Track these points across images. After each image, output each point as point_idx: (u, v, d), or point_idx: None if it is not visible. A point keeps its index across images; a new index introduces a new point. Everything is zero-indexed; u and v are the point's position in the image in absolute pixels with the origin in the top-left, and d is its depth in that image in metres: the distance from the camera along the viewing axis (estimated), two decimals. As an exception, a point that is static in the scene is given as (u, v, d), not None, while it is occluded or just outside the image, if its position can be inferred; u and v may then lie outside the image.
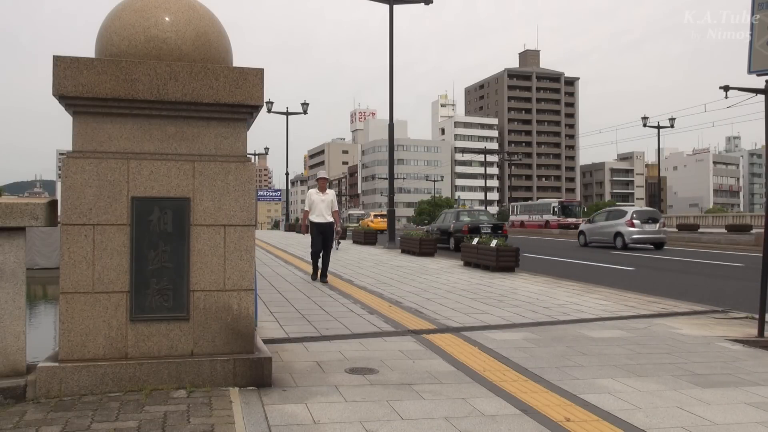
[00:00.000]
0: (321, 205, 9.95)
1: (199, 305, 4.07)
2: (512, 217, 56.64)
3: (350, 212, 75.83)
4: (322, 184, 10.19)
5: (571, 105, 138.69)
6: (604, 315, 7.26)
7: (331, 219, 9.99)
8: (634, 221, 22.30)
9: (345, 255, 16.71)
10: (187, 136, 4.15)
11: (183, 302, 4.03)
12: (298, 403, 3.75)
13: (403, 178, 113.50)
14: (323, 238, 9.95)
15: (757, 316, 6.32)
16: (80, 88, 3.84)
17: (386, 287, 9.59)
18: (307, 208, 10.16)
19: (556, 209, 49.88)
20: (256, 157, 64.07)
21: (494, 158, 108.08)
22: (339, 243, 18.43)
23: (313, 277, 10.35)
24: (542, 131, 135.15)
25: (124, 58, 4.00)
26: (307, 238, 12.86)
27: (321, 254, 10.02)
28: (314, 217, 9.95)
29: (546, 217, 50.23)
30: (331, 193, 10.24)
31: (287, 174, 45.07)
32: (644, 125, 41.65)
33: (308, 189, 15.29)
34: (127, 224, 3.96)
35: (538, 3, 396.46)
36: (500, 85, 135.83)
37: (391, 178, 21.61)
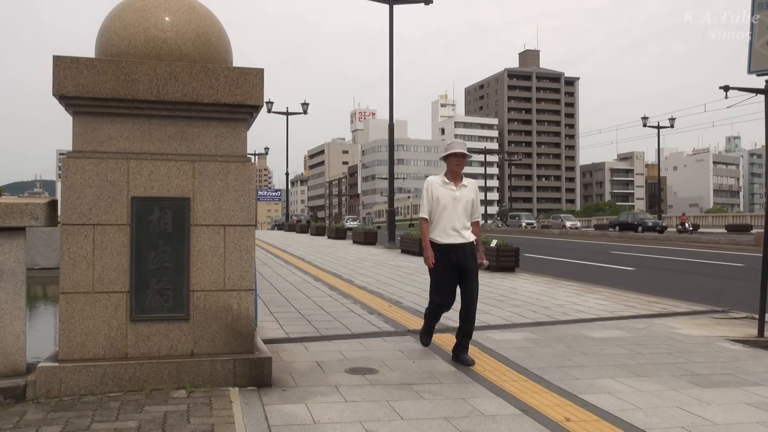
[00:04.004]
0: (454, 208, 4.95)
1: (199, 305, 4.07)
2: None
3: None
4: (456, 166, 4.99)
5: (571, 105, 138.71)
6: (604, 315, 7.26)
7: (471, 236, 5.00)
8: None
9: (345, 255, 16.72)
10: (187, 136, 4.15)
11: (183, 302, 4.03)
12: (298, 403, 3.75)
13: (403, 178, 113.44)
14: (459, 273, 4.93)
15: (757, 316, 6.32)
16: (80, 88, 3.84)
17: (386, 287, 9.59)
18: (425, 214, 5.02)
19: None
20: (256, 157, 63.97)
21: (494, 158, 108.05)
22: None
23: (425, 340, 5.43)
24: (542, 131, 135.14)
25: (124, 58, 4.00)
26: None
27: (451, 305, 5.14)
28: (439, 233, 4.95)
29: None
30: (472, 187, 5.09)
31: (287, 174, 45.07)
32: (644, 125, 41.68)
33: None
34: (127, 224, 3.96)
35: (538, 3, 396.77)
36: (500, 85, 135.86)
37: (391, 178, 21.61)
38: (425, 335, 5.48)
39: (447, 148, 5.10)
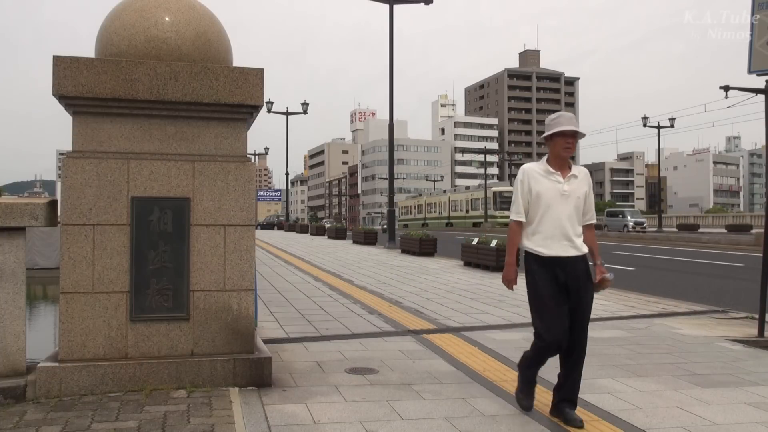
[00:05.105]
0: (564, 206, 3.60)
1: (199, 305, 4.07)
2: None
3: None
4: (565, 150, 3.63)
5: (571, 105, 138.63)
6: (605, 315, 7.26)
7: (584, 246, 3.64)
8: None
9: (345, 255, 16.72)
10: (187, 136, 4.15)
11: (183, 302, 4.03)
12: (298, 403, 3.75)
13: (403, 178, 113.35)
14: (572, 297, 3.57)
15: (757, 316, 6.32)
16: (80, 88, 3.84)
17: (386, 287, 9.59)
18: (518, 215, 3.71)
19: None
20: (256, 157, 63.80)
21: (494, 158, 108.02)
22: None
23: (526, 403, 3.75)
24: (542, 131, 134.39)
25: (124, 58, 4.00)
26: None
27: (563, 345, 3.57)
28: (542, 241, 3.61)
29: None
30: (584, 177, 3.72)
31: (287, 174, 45.07)
32: (644, 125, 41.60)
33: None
34: (127, 224, 3.96)
35: (538, 3, 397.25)
36: (500, 85, 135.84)
37: (391, 178, 21.61)
38: (524, 392, 3.72)
39: (551, 124, 3.64)
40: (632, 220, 40.73)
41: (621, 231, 37.45)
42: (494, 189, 53.33)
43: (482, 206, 53.23)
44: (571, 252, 3.55)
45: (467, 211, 58.63)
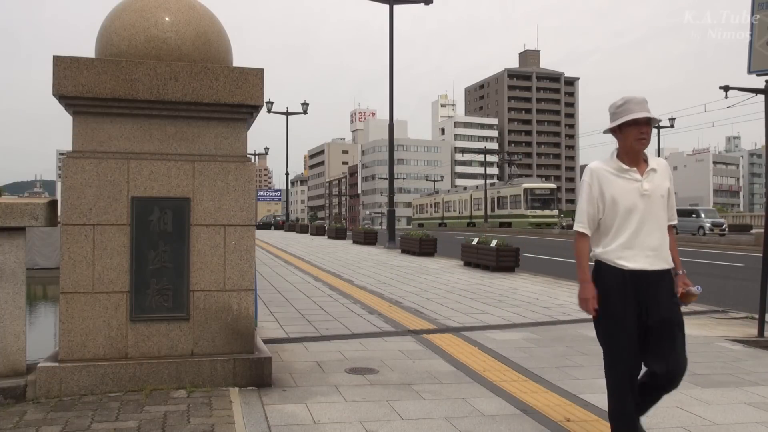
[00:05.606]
0: (647, 209, 2.94)
1: (199, 305, 4.07)
2: None
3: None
4: (639, 141, 2.93)
5: (571, 105, 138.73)
6: (604, 315, 7.25)
7: (670, 258, 2.98)
8: None
9: (345, 255, 16.72)
10: (187, 136, 4.15)
11: (183, 302, 4.03)
12: (298, 403, 3.75)
13: (403, 178, 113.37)
14: (651, 316, 2.90)
15: (757, 316, 6.32)
16: (80, 88, 3.85)
17: (386, 287, 9.59)
18: (583, 226, 3.02)
19: None
20: (256, 157, 63.77)
21: (494, 158, 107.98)
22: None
23: None
24: (542, 131, 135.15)
25: (124, 58, 4.00)
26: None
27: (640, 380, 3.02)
28: (621, 251, 2.93)
29: None
30: (663, 170, 3.05)
31: (287, 174, 45.09)
32: (644, 125, 41.52)
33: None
34: (127, 224, 3.96)
35: (538, 3, 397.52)
36: (500, 85, 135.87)
37: (391, 178, 21.61)
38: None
39: (618, 112, 2.98)
40: (709, 220, 33.16)
41: (695, 234, 30.75)
42: (525, 186, 49.13)
43: (509, 204, 49.58)
44: (658, 265, 2.93)
45: (493, 210, 53.12)
